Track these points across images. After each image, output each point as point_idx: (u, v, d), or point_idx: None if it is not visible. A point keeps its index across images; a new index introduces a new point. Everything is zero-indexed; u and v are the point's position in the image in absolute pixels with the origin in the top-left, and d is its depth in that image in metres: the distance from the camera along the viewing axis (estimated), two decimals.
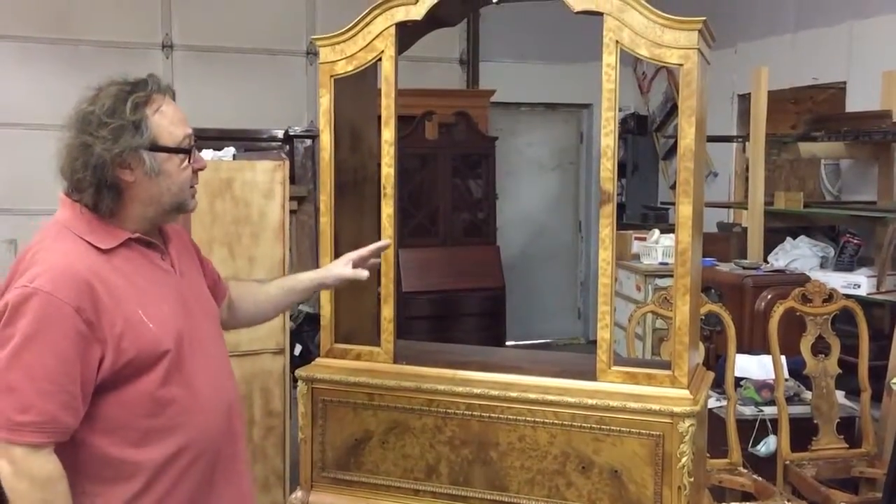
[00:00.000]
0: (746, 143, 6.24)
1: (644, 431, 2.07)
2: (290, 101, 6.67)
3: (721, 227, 5.75)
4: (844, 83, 5.37)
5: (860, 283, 4.25)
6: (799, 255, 4.64)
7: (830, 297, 3.71)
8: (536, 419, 2.16)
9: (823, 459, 3.53)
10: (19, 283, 1.56)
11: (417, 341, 2.72)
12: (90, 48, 6.24)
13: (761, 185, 4.87)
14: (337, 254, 2.41)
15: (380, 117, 2.40)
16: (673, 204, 6.78)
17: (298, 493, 2.40)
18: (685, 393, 2.10)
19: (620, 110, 7.46)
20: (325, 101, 2.37)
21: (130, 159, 1.64)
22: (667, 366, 2.18)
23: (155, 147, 1.66)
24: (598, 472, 2.12)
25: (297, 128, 6.56)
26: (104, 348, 1.58)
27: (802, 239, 4.78)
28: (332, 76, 2.35)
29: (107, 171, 1.62)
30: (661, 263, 5.17)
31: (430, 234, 6.11)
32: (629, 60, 7.44)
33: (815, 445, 3.55)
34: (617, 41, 2.09)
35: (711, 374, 2.41)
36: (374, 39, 2.29)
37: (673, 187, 6.92)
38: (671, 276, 5.20)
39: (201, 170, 1.77)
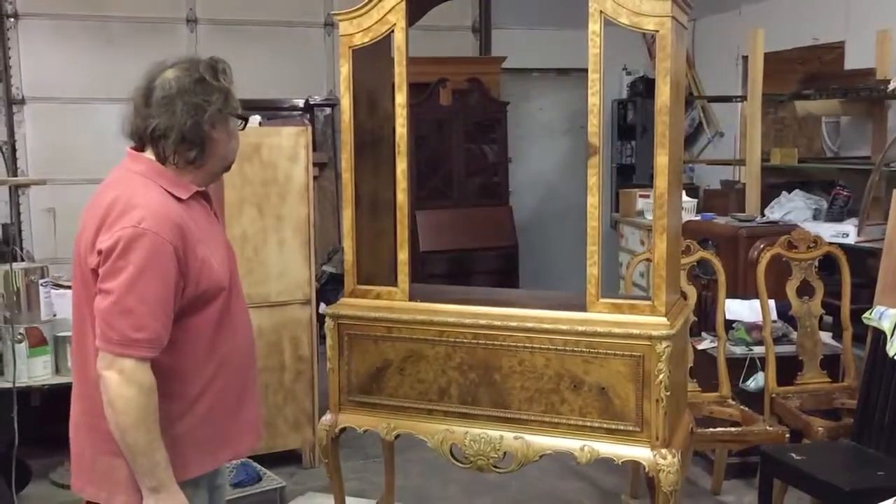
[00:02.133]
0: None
1: (627, 353, 2.39)
2: (310, 71, 6.95)
3: (724, 184, 6.01)
4: (843, 43, 5.58)
5: (848, 231, 4.51)
6: (793, 207, 4.90)
7: (815, 243, 3.99)
8: (534, 345, 2.48)
9: (807, 392, 3.84)
10: (127, 224, 1.79)
11: (430, 284, 3.02)
12: (119, 24, 6.55)
13: (758, 142, 5.12)
14: (357, 206, 2.74)
15: (394, 84, 2.70)
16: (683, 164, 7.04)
17: (328, 416, 2.73)
18: (663, 320, 2.40)
19: (630, 74, 7.67)
20: (345, 70, 2.67)
21: (222, 120, 1.92)
22: (649, 298, 2.48)
23: (236, 115, 1.97)
24: (588, 389, 2.43)
25: (316, 97, 6.87)
26: (186, 281, 1.86)
27: (797, 193, 5.03)
28: (350, 47, 2.65)
29: (208, 128, 1.89)
30: None
31: (445, 197, 6.42)
32: None
33: (799, 380, 3.86)
34: (601, 11, 2.37)
35: (690, 307, 2.72)
36: (387, 13, 2.59)
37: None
38: None
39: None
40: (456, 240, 6.26)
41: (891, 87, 4.26)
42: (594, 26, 2.39)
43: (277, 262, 4.28)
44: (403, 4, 2.58)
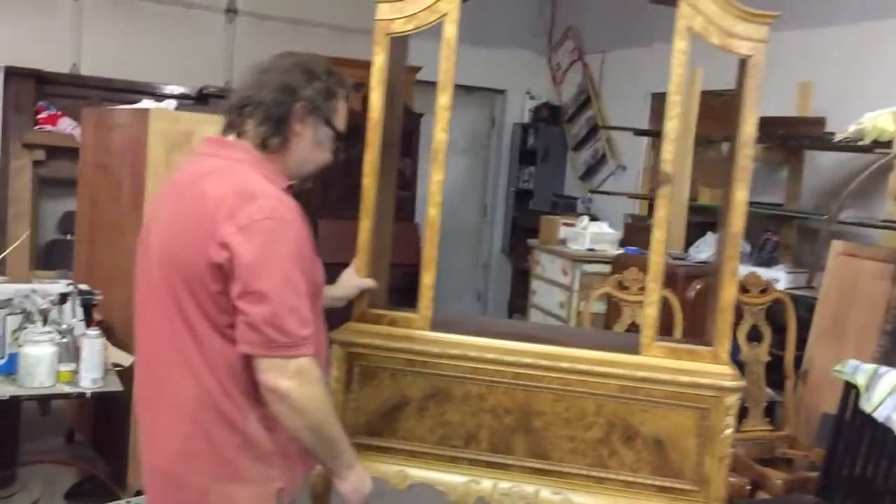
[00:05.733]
0: (656, 139, 6.54)
1: (691, 404, 2.17)
2: (206, 59, 6.38)
3: (635, 218, 6.00)
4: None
5: (779, 278, 4.55)
6: None
7: (766, 289, 3.98)
8: (584, 390, 2.21)
9: (751, 440, 3.79)
10: (258, 215, 1.66)
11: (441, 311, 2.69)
12: None
13: (687, 181, 5.12)
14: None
15: (403, 83, 2.39)
16: (577, 198, 6.97)
17: None
18: (727, 369, 2.20)
19: (533, 98, 7.58)
20: (380, 59, 2.33)
21: (310, 118, 1.81)
22: (704, 344, 2.28)
23: (329, 122, 1.85)
24: (643, 442, 2.19)
25: (211, 87, 6.30)
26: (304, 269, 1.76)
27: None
28: (388, 34, 2.31)
29: (291, 115, 1.78)
30: (588, 249, 5.34)
31: (351, 207, 6.02)
32: (544, 51, 7.60)
33: (744, 427, 3.80)
34: (689, 27, 2.16)
35: None
36: (438, 0, 2.26)
37: (582, 178, 7.18)
38: (599, 261, 5.37)
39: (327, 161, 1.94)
40: None
41: (837, 137, 4.34)
42: (681, 43, 2.17)
43: None
44: None
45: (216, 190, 1.70)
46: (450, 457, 2.28)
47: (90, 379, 3.21)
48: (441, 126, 2.33)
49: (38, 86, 5.65)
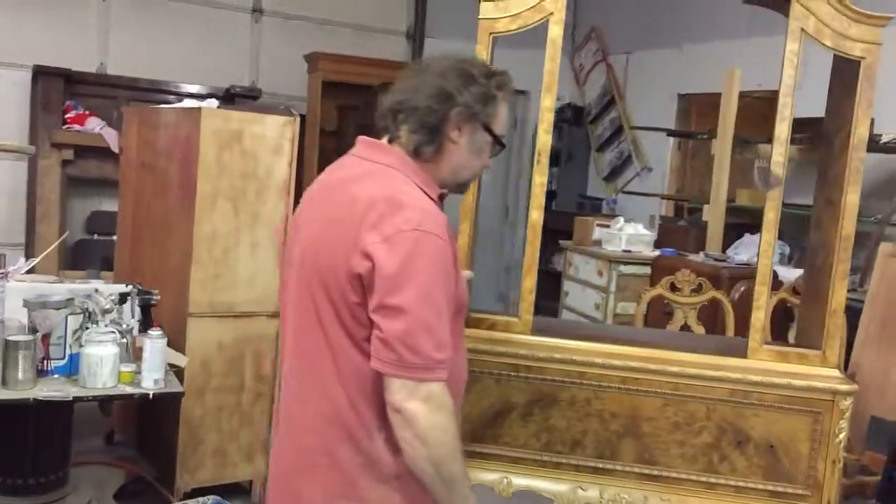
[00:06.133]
0: (683, 140, 6.53)
1: (804, 408, 2.15)
2: (232, 59, 6.33)
3: (666, 220, 5.99)
4: None
5: None
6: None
7: None
8: (693, 394, 2.19)
9: None
10: (405, 226, 1.56)
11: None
12: None
13: (725, 182, 5.12)
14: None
15: None
16: (602, 199, 6.94)
17: None
18: (836, 372, 2.19)
19: (557, 100, 7.53)
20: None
21: (467, 125, 1.70)
22: (812, 347, 2.26)
23: (487, 127, 1.73)
24: (754, 446, 2.18)
25: (238, 87, 6.25)
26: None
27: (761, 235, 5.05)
28: (491, 34, 2.28)
29: (447, 123, 1.68)
30: (624, 251, 5.32)
31: None
32: (567, 52, 7.58)
33: None
34: (802, 29, 2.14)
35: None
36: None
37: (606, 179, 7.16)
38: (634, 263, 5.34)
39: (486, 167, 1.85)
40: None
41: (884, 139, 4.35)
42: (793, 45, 2.16)
43: (248, 267, 3.74)
44: None
45: (366, 195, 1.61)
46: (554, 463, 2.25)
47: (152, 380, 3.16)
48: (544, 128, 2.29)
49: (65, 85, 5.58)
